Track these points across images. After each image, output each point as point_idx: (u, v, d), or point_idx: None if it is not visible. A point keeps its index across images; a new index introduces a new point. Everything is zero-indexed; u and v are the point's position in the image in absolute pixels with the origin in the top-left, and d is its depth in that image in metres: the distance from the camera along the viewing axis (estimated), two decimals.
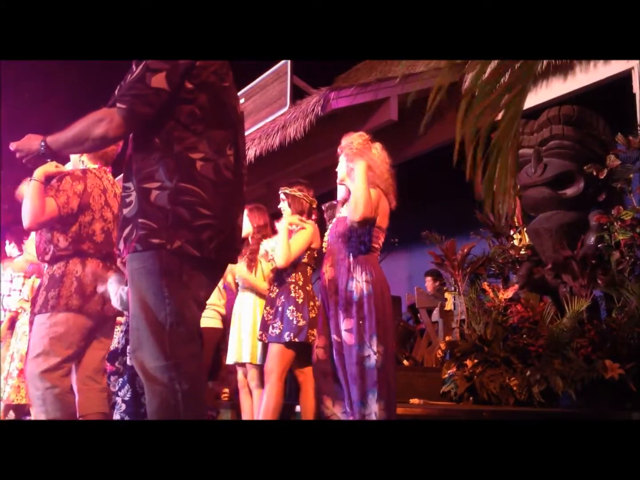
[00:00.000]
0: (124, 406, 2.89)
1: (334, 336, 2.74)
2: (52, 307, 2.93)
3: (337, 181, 3.08)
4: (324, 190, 5.49)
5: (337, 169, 3.03)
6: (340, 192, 3.12)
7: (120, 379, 3.02)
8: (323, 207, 3.60)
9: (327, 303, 2.81)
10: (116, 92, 1.80)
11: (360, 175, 2.79)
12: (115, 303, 2.63)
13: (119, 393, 2.94)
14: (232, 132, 1.90)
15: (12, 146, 1.97)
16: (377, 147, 2.94)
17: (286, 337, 3.46)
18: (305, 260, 3.72)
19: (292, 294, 3.59)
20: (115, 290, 2.62)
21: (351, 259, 2.74)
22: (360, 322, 2.63)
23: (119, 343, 3.10)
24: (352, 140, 2.94)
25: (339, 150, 3.00)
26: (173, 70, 1.74)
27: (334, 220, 3.06)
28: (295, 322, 3.49)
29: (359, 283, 2.68)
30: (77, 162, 3.20)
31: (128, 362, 2.92)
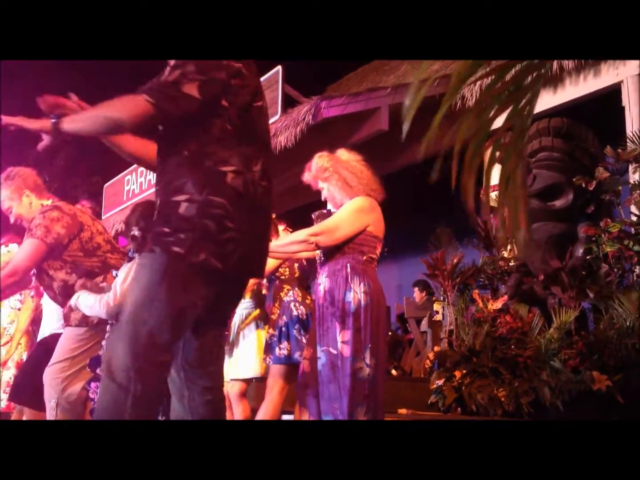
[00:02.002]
0: None
1: (330, 349, 2.66)
2: (87, 323, 3.01)
3: (331, 206, 3.01)
4: (314, 199, 5.47)
5: (323, 196, 2.94)
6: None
7: None
8: (313, 216, 3.53)
9: (322, 314, 2.72)
10: (147, 84, 1.79)
11: (350, 209, 2.75)
12: (102, 312, 2.61)
13: None
14: (260, 148, 1.94)
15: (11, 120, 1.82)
16: (343, 152, 2.88)
17: (298, 357, 3.29)
18: (297, 275, 3.66)
19: (295, 312, 3.48)
20: (98, 299, 2.61)
21: (349, 269, 2.67)
22: (357, 333, 2.58)
23: (101, 350, 3.07)
24: (319, 164, 2.83)
25: (312, 181, 2.89)
26: (208, 84, 1.76)
27: None
28: (304, 340, 3.33)
29: (357, 294, 2.61)
30: (27, 205, 3.11)
31: None
